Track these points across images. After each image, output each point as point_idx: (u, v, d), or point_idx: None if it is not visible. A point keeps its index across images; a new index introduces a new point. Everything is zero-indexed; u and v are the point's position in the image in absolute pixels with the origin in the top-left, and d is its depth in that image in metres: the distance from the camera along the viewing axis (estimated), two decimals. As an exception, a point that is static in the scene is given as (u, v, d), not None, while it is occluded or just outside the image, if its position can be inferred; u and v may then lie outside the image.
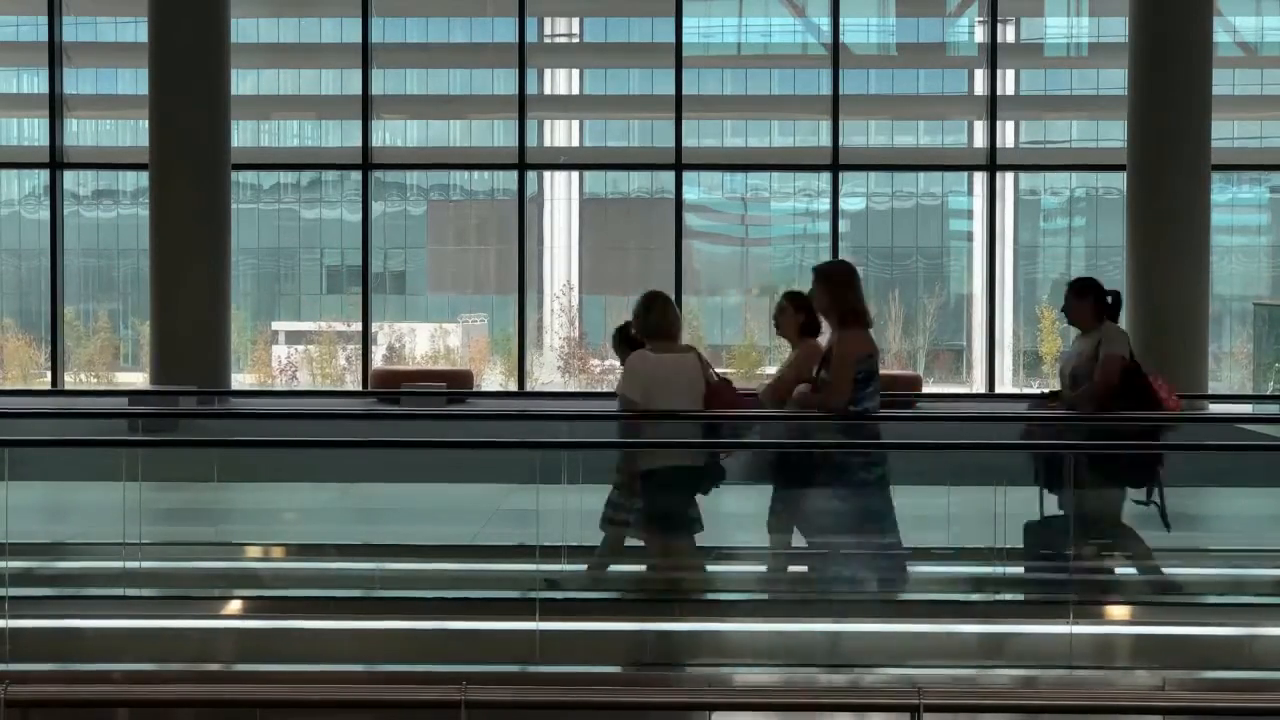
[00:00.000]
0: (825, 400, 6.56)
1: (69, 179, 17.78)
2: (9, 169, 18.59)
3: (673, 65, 16.84)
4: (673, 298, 7.11)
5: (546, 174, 19.13)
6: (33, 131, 18.22)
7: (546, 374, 19.15)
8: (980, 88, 17.67)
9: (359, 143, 17.00)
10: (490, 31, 18.38)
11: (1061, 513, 6.57)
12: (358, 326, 17.51)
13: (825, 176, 17.26)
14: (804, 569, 7.08)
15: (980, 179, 17.86)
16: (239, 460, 7.89)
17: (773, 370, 7.88)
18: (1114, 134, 16.70)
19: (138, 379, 17.89)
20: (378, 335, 18.39)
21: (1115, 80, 16.63)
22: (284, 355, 19.72)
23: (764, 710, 5.17)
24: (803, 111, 18.37)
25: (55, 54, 16.98)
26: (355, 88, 17.04)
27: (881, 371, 6.87)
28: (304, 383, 19.10)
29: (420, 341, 19.68)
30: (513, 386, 17.43)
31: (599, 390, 17.95)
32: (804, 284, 7.06)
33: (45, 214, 17.21)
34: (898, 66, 19.21)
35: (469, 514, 8.13)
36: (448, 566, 7.26)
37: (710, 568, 7.19)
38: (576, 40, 19.81)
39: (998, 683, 5.51)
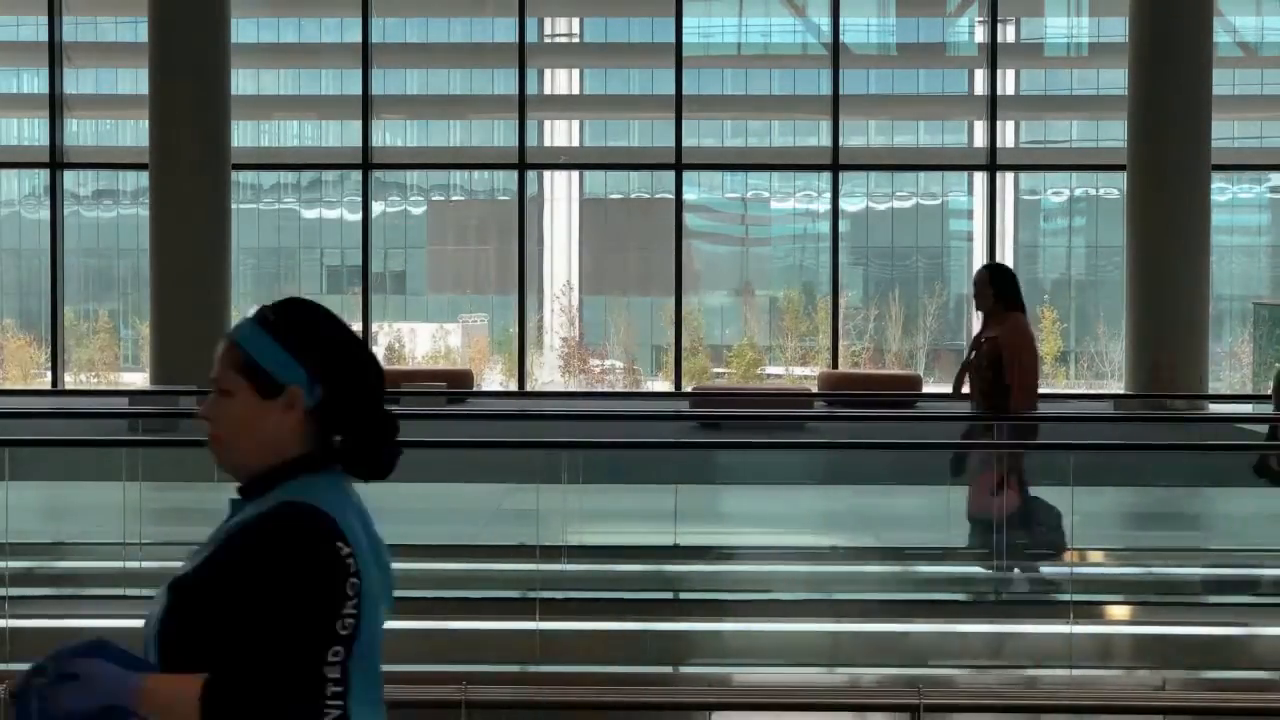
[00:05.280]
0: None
1: (69, 179, 17.77)
2: (9, 169, 18.59)
3: (673, 65, 16.84)
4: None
5: (546, 174, 19.13)
6: (33, 131, 18.22)
7: (546, 374, 19.16)
8: (980, 88, 17.66)
9: (359, 143, 16.99)
10: (490, 31, 18.38)
11: None
12: (358, 326, 17.51)
13: (825, 176, 17.25)
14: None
15: (980, 179, 17.86)
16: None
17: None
18: (1114, 134, 16.69)
19: (138, 379, 17.89)
20: (378, 335, 18.40)
21: (1115, 80, 16.62)
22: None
23: (764, 710, 5.17)
24: (803, 111, 18.36)
25: (55, 54, 16.97)
26: (355, 88, 17.03)
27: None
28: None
29: (420, 341, 19.69)
30: (513, 386, 17.42)
31: (599, 390, 17.95)
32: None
33: (45, 214, 17.20)
34: (898, 66, 19.21)
35: (469, 514, 8.13)
36: (448, 566, 7.27)
37: (710, 568, 7.20)
38: (576, 40, 19.81)
39: (998, 683, 5.52)
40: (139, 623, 2.18)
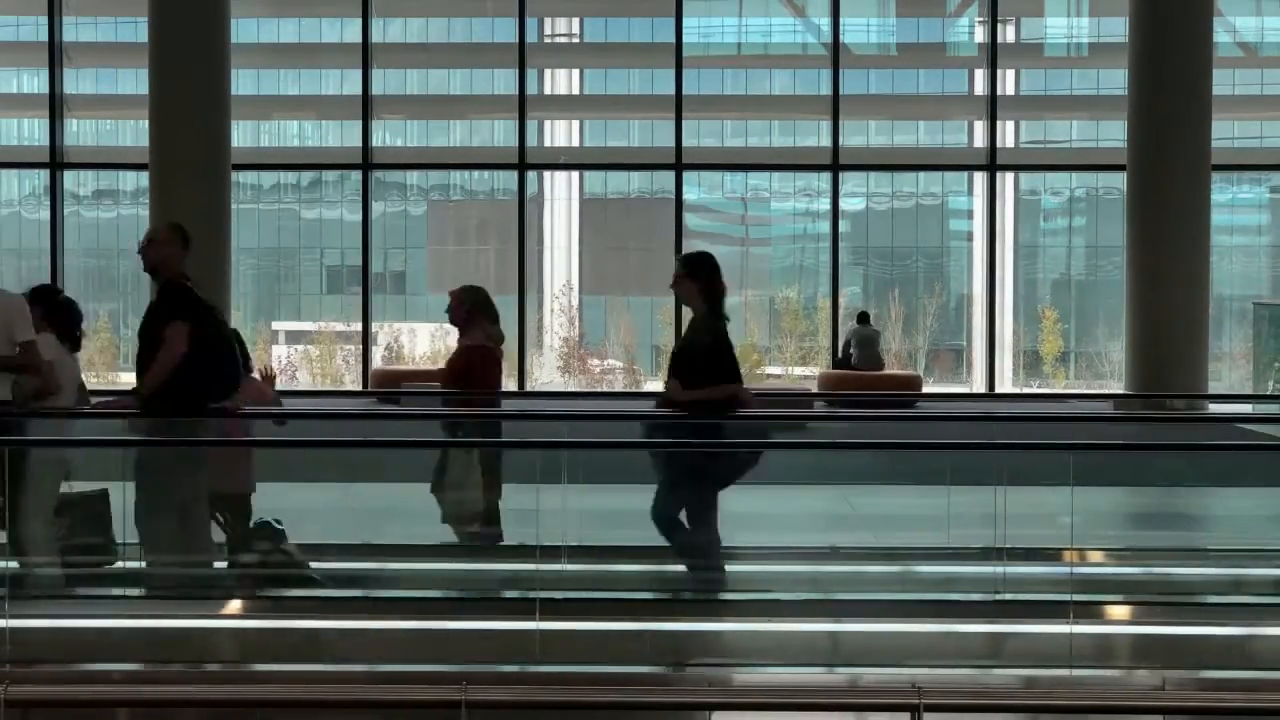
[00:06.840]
0: None
1: (69, 179, 17.77)
2: (9, 169, 18.59)
3: (673, 65, 16.84)
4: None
5: (546, 174, 19.13)
6: (33, 131, 18.23)
7: (546, 374, 19.16)
8: (980, 88, 17.67)
9: (359, 143, 17.00)
10: (490, 31, 18.39)
11: None
12: (358, 326, 17.51)
13: (825, 176, 17.26)
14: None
15: (980, 179, 17.87)
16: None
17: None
18: (1114, 134, 16.70)
19: (138, 379, 17.87)
20: (378, 335, 18.39)
21: (1115, 80, 16.63)
22: (284, 355, 19.71)
23: (764, 710, 5.17)
24: (803, 111, 18.37)
25: (55, 54, 16.98)
26: (355, 88, 17.04)
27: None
28: (304, 383, 19.09)
29: (420, 341, 19.68)
30: (512, 386, 17.42)
31: (599, 390, 17.95)
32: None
33: (45, 214, 17.21)
34: (898, 66, 19.21)
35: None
36: (448, 566, 7.26)
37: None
38: (576, 40, 19.81)
39: (998, 683, 5.51)
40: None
